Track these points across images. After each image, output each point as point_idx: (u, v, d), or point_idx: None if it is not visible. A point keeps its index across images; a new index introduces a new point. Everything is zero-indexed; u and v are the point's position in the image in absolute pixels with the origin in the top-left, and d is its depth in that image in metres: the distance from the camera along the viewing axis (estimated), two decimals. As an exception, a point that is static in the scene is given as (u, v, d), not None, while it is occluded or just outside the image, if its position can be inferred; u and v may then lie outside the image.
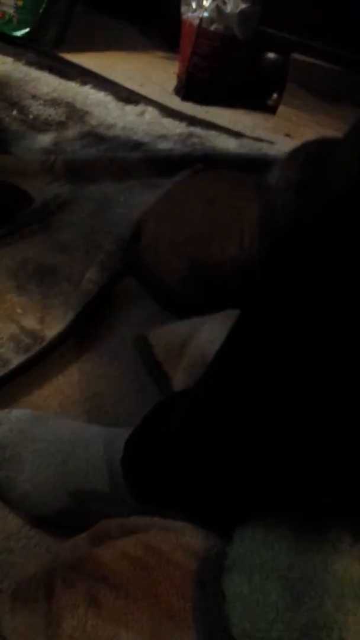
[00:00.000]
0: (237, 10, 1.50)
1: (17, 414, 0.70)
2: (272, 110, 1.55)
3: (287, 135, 1.48)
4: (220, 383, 0.50)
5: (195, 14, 1.55)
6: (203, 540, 0.46)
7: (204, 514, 0.50)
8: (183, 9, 1.57)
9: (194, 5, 1.55)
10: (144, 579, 0.43)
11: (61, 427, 0.66)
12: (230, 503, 0.48)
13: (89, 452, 0.62)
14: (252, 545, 0.40)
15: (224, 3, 1.52)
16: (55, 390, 0.81)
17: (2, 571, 0.63)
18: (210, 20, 1.54)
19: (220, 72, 1.54)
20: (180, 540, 0.46)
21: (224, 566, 0.41)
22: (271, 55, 1.55)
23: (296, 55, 1.47)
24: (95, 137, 1.33)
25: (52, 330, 0.88)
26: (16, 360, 0.81)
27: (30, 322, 0.89)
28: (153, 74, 1.69)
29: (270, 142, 1.40)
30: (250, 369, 0.45)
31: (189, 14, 1.57)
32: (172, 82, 1.63)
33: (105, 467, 0.60)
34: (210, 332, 0.69)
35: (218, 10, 1.52)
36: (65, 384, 0.82)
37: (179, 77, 1.59)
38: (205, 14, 1.53)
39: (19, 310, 0.89)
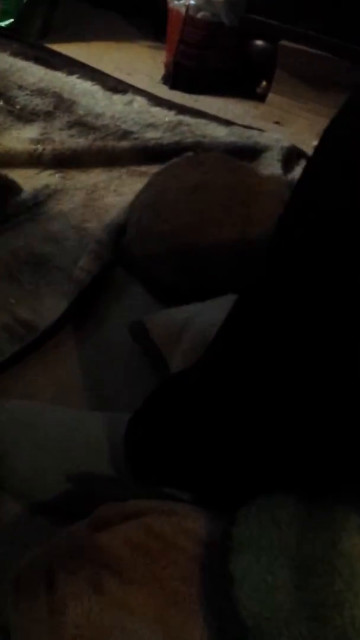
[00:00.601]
0: (224, -3, 1.49)
1: (13, 404, 0.69)
2: (261, 98, 1.54)
3: (277, 122, 1.47)
4: (222, 360, 0.49)
5: (182, 1, 1.53)
6: (206, 524, 0.46)
7: (207, 492, 0.49)
8: (170, -3, 1.56)
9: (180, -7, 1.54)
10: (147, 565, 0.43)
11: (60, 414, 0.66)
12: (234, 482, 0.48)
13: (90, 437, 0.61)
14: (259, 526, 0.40)
15: (211, -10, 1.50)
16: (52, 380, 0.80)
17: (3, 562, 0.62)
18: (197, 8, 1.52)
19: (208, 60, 1.53)
20: (183, 525, 0.45)
21: (229, 548, 0.40)
22: (259, 42, 1.54)
23: (284, 42, 1.45)
24: (83, 126, 1.31)
25: (45, 320, 0.86)
26: (10, 350, 0.80)
27: (23, 312, 0.88)
28: (140, 63, 1.68)
29: (260, 130, 1.39)
30: (252, 346, 0.45)
31: (176, 2, 1.55)
32: (160, 72, 1.61)
33: (107, 450, 0.59)
34: (212, 316, 0.68)
35: (205, -3, 1.50)
36: (62, 373, 0.81)
37: (166, 66, 1.58)
38: (192, 2, 1.52)
39: (11, 301, 0.87)
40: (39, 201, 1.08)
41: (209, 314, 0.70)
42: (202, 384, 0.52)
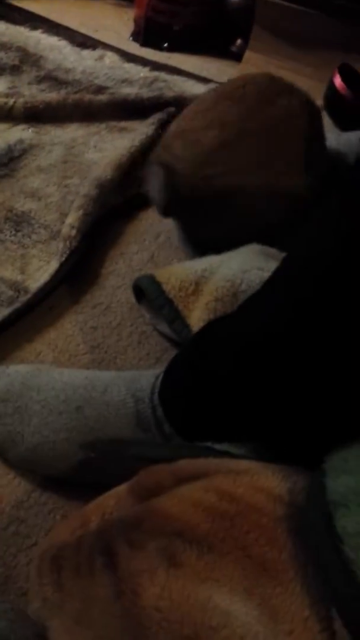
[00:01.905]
0: None
1: (16, 367, 0.60)
2: (236, 57, 1.47)
3: (255, 82, 1.40)
4: (285, 303, 0.43)
5: None
6: (281, 480, 0.39)
7: (276, 440, 0.43)
8: None
9: None
10: (226, 530, 0.36)
11: (70, 374, 0.58)
12: (308, 423, 0.42)
13: (107, 394, 0.54)
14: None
15: None
16: (49, 345, 0.72)
17: (15, 545, 0.54)
18: None
19: (180, 15, 1.45)
20: (257, 483, 0.39)
21: (330, 502, 0.34)
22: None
23: (261, -3, 1.38)
24: (54, 80, 1.21)
25: (36, 281, 0.78)
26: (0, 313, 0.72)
27: (9, 273, 0.79)
28: (106, 20, 1.57)
29: (240, 88, 1.33)
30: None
31: None
32: (128, 29, 1.52)
33: (131, 406, 0.52)
34: (242, 263, 0.62)
35: None
36: (59, 337, 0.73)
37: (136, 22, 1.48)
38: None
39: (-4, 260, 0.78)
40: (14, 157, 0.99)
41: (236, 262, 0.64)
42: (263, 325, 0.45)
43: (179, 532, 0.36)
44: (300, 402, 0.44)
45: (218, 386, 0.48)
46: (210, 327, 0.53)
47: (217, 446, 0.45)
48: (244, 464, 0.41)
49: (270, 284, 0.48)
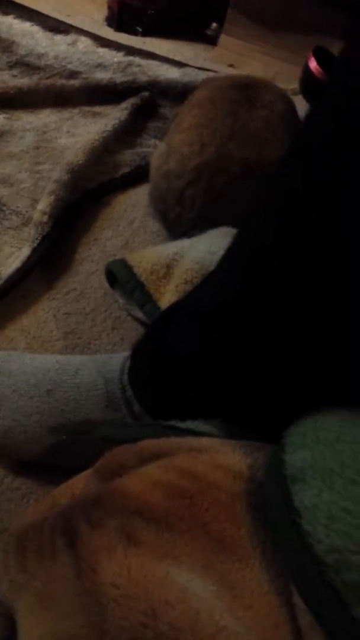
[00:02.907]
0: None
1: (-16, 353, 0.60)
2: (211, 40, 1.46)
3: (231, 65, 1.40)
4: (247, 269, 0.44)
5: None
6: (242, 457, 0.39)
7: (238, 415, 0.43)
8: None
9: None
10: (186, 508, 0.36)
11: (42, 359, 0.58)
12: (268, 398, 0.42)
13: (78, 377, 0.54)
14: (321, 449, 0.34)
15: None
16: (21, 332, 0.72)
17: (-13, 532, 0.54)
18: None
19: (155, -1, 1.43)
20: (216, 460, 0.39)
21: (289, 476, 0.34)
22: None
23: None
24: (25, 66, 1.20)
25: (7, 267, 0.77)
26: (-30, 301, 0.71)
27: (-20, 260, 0.78)
28: (80, 5, 1.55)
29: (215, 72, 1.32)
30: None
31: None
32: (102, 14, 1.50)
33: (101, 388, 0.52)
34: (210, 245, 0.62)
35: None
36: (31, 324, 0.73)
37: (109, 6, 1.47)
38: None
39: (-34, 246, 0.78)
40: (-16, 143, 0.98)
41: (204, 244, 0.64)
42: (229, 303, 0.45)
43: (138, 510, 0.36)
44: (261, 374, 0.44)
45: (180, 363, 0.48)
46: (173, 306, 0.53)
47: (181, 424, 0.45)
48: (205, 441, 0.41)
49: (223, 260, 0.49)
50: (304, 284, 0.39)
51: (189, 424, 0.45)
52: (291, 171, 0.42)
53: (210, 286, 0.49)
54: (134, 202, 0.94)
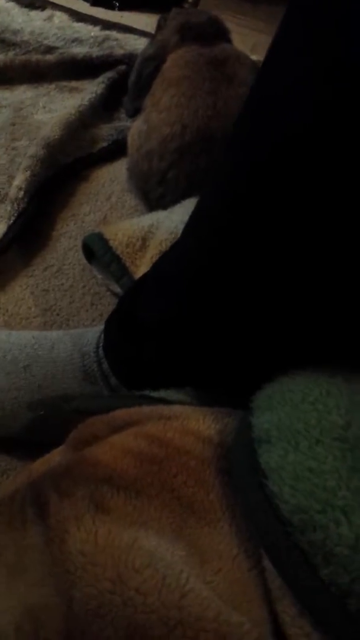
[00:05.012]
0: None
1: None
2: (190, 13, 1.43)
3: (210, 37, 1.37)
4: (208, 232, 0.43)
5: None
6: (212, 422, 0.39)
7: (208, 381, 0.43)
8: None
9: None
10: (155, 474, 0.36)
11: (18, 334, 0.57)
12: (235, 362, 0.42)
13: (54, 351, 0.53)
14: (287, 410, 0.33)
15: None
16: (-3, 309, 0.71)
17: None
18: None
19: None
20: (186, 426, 0.39)
21: (255, 439, 0.33)
22: None
23: None
24: (1, 43, 1.17)
25: (-17, 245, 0.76)
26: None
27: None
28: (55, -22, 1.52)
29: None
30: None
31: None
32: (78, -13, 1.47)
33: (77, 362, 0.52)
34: (183, 215, 0.61)
35: None
36: (8, 301, 0.72)
37: (85, -21, 1.44)
38: None
39: None
40: None
41: (177, 214, 0.63)
42: (189, 265, 0.45)
43: (107, 478, 0.36)
44: (226, 337, 0.44)
45: (149, 331, 0.48)
46: (142, 276, 0.52)
47: (154, 393, 0.45)
48: (176, 409, 0.41)
49: (185, 226, 0.48)
50: (257, 240, 0.39)
51: (162, 393, 0.45)
52: (241, 131, 0.42)
53: (174, 252, 0.49)
54: (112, 177, 0.93)
